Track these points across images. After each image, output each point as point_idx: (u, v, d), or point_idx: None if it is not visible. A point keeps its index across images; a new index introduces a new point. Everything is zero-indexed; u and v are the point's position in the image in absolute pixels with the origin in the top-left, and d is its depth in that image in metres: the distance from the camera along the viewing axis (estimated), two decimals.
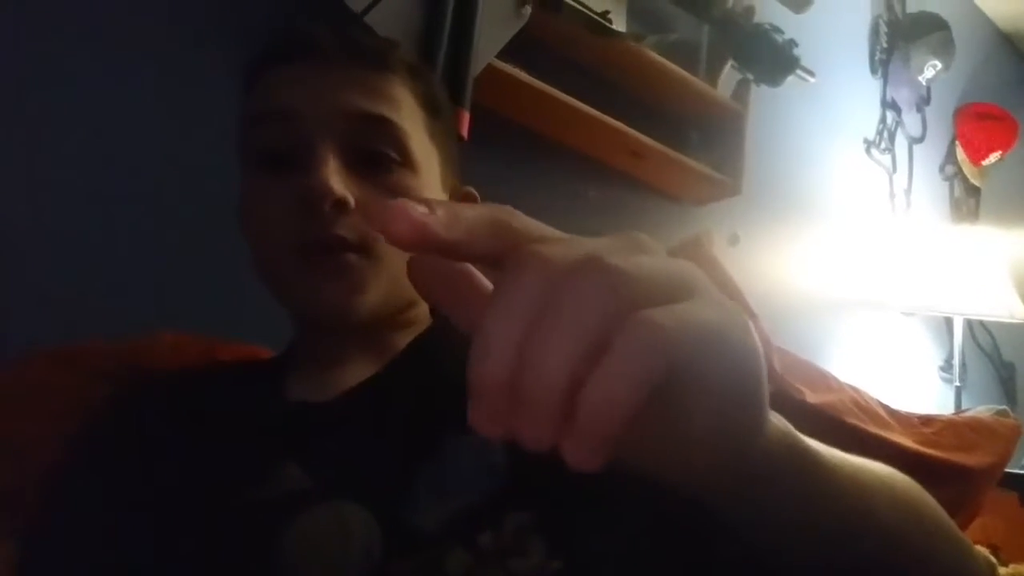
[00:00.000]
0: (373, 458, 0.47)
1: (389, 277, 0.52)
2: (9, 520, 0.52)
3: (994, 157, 2.27)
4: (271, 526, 0.43)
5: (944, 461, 0.84)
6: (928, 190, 2.17)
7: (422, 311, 0.59)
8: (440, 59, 0.99)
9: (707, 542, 0.38)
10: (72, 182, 0.82)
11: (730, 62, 1.48)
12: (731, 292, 1.15)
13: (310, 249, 0.50)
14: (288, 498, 0.45)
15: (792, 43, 1.44)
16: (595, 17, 1.19)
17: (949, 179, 2.28)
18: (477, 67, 1.03)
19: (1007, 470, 1.12)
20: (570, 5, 1.15)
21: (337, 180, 0.49)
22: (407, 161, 0.53)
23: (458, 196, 0.61)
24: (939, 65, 2.06)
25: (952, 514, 0.40)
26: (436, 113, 0.58)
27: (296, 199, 0.49)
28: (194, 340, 0.68)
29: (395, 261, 0.52)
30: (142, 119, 0.87)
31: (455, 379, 0.51)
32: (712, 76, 1.50)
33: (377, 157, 0.52)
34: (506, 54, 1.10)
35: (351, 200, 0.50)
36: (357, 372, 0.53)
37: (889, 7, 2.07)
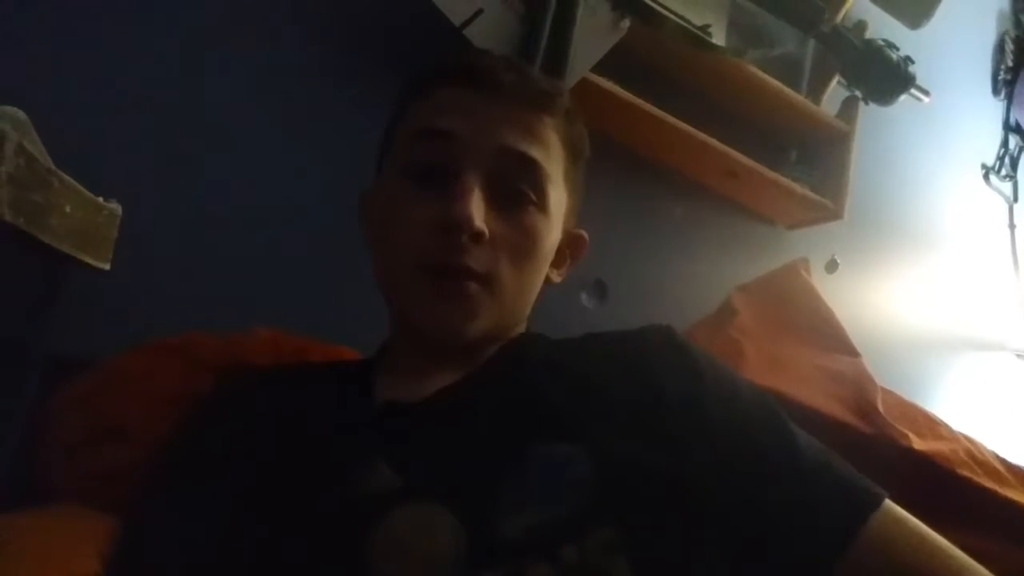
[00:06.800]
0: (460, 461, 0.48)
1: (502, 307, 0.55)
2: (115, 498, 0.55)
3: None
4: (362, 522, 0.44)
5: None
6: None
7: (518, 329, 0.60)
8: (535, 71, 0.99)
9: None
10: (189, 190, 0.88)
11: (837, 78, 1.41)
12: (827, 322, 1.08)
13: (437, 272, 0.53)
14: (378, 496, 0.46)
15: (907, 60, 1.35)
16: (695, 31, 1.16)
17: None
18: (572, 80, 1.03)
19: None
20: (670, 19, 1.13)
21: (479, 213, 0.52)
22: (542, 204, 0.56)
23: (570, 238, 0.63)
24: None
25: None
26: (576, 159, 0.60)
27: (436, 222, 0.52)
28: (287, 338, 0.71)
29: (511, 293, 0.55)
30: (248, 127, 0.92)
31: (541, 388, 0.52)
32: (816, 93, 1.43)
33: (517, 194, 0.55)
34: (600, 66, 1.09)
35: (487, 234, 0.52)
36: (447, 378, 0.54)
37: (1017, 23, 1.91)
